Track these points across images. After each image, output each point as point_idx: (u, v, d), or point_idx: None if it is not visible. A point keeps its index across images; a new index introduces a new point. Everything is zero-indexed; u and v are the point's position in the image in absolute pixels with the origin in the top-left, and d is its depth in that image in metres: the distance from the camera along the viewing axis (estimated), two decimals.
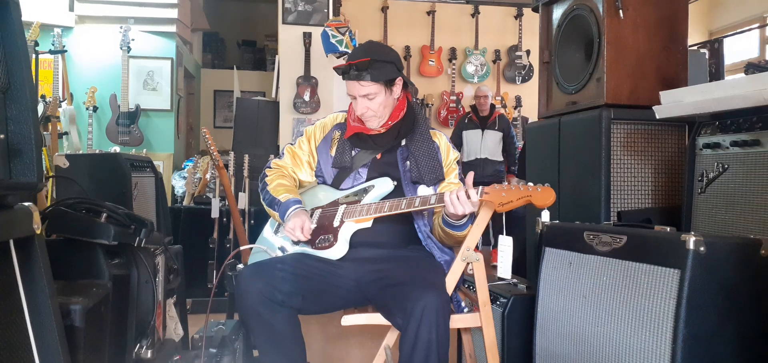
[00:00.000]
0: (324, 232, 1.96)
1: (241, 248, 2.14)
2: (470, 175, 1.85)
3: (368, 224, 1.92)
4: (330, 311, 1.95)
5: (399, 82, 2.00)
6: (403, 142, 2.04)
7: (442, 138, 2.09)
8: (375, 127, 2.01)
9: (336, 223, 1.94)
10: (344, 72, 1.96)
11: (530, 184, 1.74)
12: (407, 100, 2.08)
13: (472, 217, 1.88)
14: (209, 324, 2.40)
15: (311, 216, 2.03)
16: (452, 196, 1.78)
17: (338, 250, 1.91)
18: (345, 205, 1.96)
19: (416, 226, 1.99)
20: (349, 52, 2.11)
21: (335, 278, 1.90)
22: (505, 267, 1.87)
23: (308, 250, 1.96)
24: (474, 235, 1.86)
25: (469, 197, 1.76)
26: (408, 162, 2.01)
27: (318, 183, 2.15)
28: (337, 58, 4.48)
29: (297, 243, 2.01)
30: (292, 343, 1.82)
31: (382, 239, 1.95)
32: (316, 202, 2.07)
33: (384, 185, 1.97)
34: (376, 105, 1.96)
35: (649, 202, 2.39)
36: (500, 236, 1.84)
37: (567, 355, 1.79)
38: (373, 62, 1.92)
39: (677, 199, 2.34)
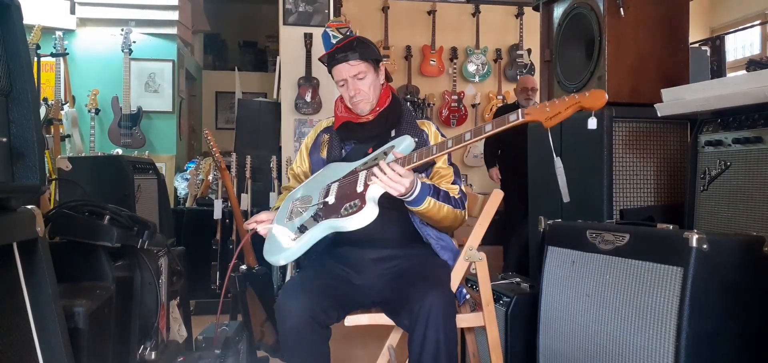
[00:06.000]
0: (347, 200, 1.79)
1: (252, 232, 1.99)
2: (435, 173, 1.86)
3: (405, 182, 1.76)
4: (347, 316, 1.90)
5: (382, 66, 2.04)
6: (393, 133, 2.03)
7: (430, 126, 2.07)
8: (365, 112, 1.99)
9: (359, 189, 1.78)
10: (331, 58, 1.98)
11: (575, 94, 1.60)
12: (391, 92, 2.09)
13: (430, 188, 1.80)
14: (212, 325, 2.41)
15: (327, 192, 1.88)
16: (377, 171, 1.69)
17: (368, 214, 1.71)
18: (365, 171, 1.81)
19: (412, 219, 1.97)
20: None
21: (349, 285, 1.89)
22: (564, 190, 1.73)
23: (335, 222, 1.77)
24: (476, 234, 1.86)
25: (397, 171, 1.68)
26: None
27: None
28: None
29: (319, 217, 1.82)
30: (323, 360, 1.80)
31: (390, 237, 1.94)
32: (330, 177, 1.95)
33: (405, 144, 1.83)
34: (366, 85, 1.96)
35: (652, 200, 2.38)
36: (555, 160, 1.72)
37: (570, 354, 1.79)
38: (359, 41, 1.97)
39: (680, 197, 2.33)
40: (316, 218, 1.80)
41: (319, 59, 2.05)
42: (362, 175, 1.80)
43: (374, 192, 1.73)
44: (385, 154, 1.81)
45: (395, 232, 1.95)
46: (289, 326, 1.72)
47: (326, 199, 1.83)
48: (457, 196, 1.94)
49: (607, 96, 1.54)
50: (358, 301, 1.90)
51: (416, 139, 1.89)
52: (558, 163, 1.73)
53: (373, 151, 1.97)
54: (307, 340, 1.71)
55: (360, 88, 1.96)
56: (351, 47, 1.96)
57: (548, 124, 1.59)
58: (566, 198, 1.73)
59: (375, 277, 1.90)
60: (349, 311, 1.87)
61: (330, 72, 2.04)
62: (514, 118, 1.60)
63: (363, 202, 1.71)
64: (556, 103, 1.57)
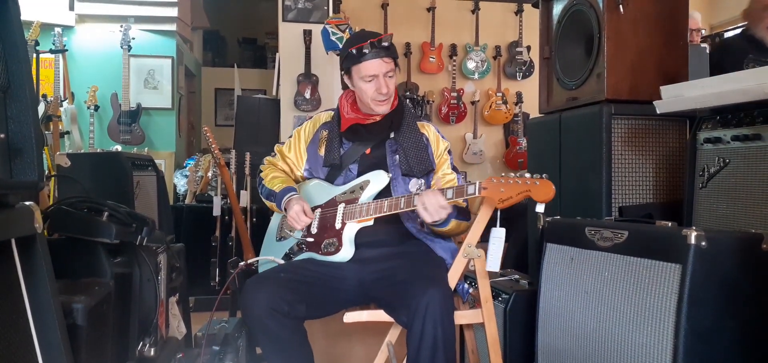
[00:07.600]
0: (327, 235, 1.95)
1: (249, 261, 2.15)
2: (437, 180, 1.88)
3: (371, 222, 1.92)
4: (333, 313, 1.94)
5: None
6: (392, 135, 2.04)
7: (430, 129, 2.08)
8: (384, 112, 2.00)
9: (337, 225, 1.93)
10: (363, 51, 1.90)
11: (527, 174, 1.71)
12: (397, 94, 2.09)
13: (456, 211, 1.88)
14: (212, 322, 2.41)
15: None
16: (419, 207, 1.79)
17: (345, 253, 1.90)
18: (343, 204, 1.96)
19: (406, 224, 1.99)
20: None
21: (337, 281, 1.90)
22: (494, 259, 1.84)
23: (315, 256, 1.96)
24: (475, 231, 1.86)
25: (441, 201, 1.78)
26: (397, 156, 2.01)
27: (307, 177, 2.16)
28: (337, 55, 4.48)
29: (302, 247, 2.00)
30: (299, 352, 1.82)
31: (383, 237, 1.95)
32: (314, 199, 2.06)
33: (380, 179, 1.95)
34: (393, 85, 1.98)
35: (650, 197, 2.38)
36: (493, 229, 1.82)
37: (569, 351, 1.80)
38: (390, 40, 1.95)
39: (678, 194, 2.33)
40: (301, 247, 2.00)
41: (350, 50, 1.93)
42: (341, 209, 1.94)
43: (350, 232, 1.92)
44: (362, 188, 1.95)
45: (392, 232, 1.96)
46: (250, 317, 1.78)
47: (310, 229, 1.99)
48: (464, 206, 1.97)
49: (554, 190, 1.68)
50: (348, 299, 1.91)
51: (390, 176, 1.98)
52: (496, 232, 1.82)
53: (371, 152, 2.01)
54: (269, 329, 1.76)
55: (390, 86, 1.96)
56: (387, 45, 1.93)
57: (500, 205, 1.72)
58: (494, 267, 1.84)
59: (367, 275, 1.90)
60: (341, 309, 1.91)
61: (352, 66, 1.95)
62: (472, 191, 1.74)
63: (340, 242, 1.90)
64: (510, 184, 1.70)
